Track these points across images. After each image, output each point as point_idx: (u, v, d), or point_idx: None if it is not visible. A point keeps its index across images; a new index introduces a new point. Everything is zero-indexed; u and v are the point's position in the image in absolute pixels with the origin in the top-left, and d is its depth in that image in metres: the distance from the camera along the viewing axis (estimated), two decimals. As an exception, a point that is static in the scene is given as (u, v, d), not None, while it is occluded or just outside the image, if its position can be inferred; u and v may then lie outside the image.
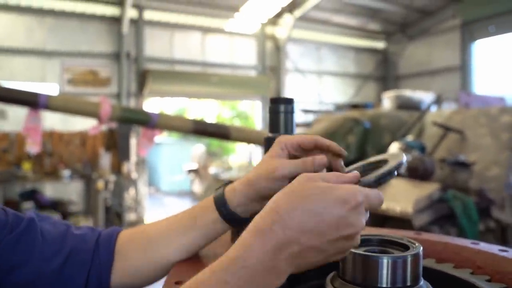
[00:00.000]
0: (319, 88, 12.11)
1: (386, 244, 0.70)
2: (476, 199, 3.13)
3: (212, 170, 10.29)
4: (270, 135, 0.85)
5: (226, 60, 10.74)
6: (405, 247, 0.66)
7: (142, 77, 9.38)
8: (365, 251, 0.66)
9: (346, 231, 0.52)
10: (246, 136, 3.65)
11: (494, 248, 0.83)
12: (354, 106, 7.12)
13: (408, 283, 0.61)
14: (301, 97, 11.68)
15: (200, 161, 9.89)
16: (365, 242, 0.70)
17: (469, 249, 0.84)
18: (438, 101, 5.06)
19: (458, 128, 4.00)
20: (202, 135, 3.29)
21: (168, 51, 10.00)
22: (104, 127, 7.03)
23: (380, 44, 13.03)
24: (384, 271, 0.61)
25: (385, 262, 0.61)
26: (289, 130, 0.84)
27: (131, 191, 8.50)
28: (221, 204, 0.73)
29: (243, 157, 13.29)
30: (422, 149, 3.68)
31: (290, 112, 0.84)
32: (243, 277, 0.51)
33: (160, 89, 9.64)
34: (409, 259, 0.61)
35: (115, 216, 8.02)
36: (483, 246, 0.85)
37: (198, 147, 10.54)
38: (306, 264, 0.54)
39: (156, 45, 9.79)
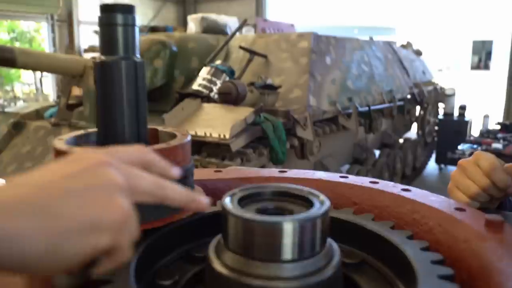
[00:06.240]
0: (115, 8, 11.13)
1: (282, 198, 0.54)
2: (284, 120, 3.30)
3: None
4: (103, 58, 0.59)
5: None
6: (307, 201, 0.51)
7: None
8: (257, 209, 0.50)
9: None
10: (38, 62, 3.04)
11: (365, 181, 0.77)
12: (154, 29, 6.70)
13: (317, 249, 0.48)
14: (95, 18, 10.58)
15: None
16: (255, 196, 0.53)
17: (343, 185, 0.77)
18: (242, 25, 5.12)
19: (262, 53, 4.10)
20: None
21: None
22: None
23: (178, -36, 12.48)
24: (289, 240, 0.46)
25: (289, 227, 0.46)
26: (130, 50, 0.59)
27: None
28: None
29: (31, 85, 11.67)
30: (232, 73, 3.67)
31: (131, 25, 0.59)
32: None
33: None
34: (318, 221, 0.47)
35: None
36: (352, 178, 0.79)
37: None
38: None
39: None
